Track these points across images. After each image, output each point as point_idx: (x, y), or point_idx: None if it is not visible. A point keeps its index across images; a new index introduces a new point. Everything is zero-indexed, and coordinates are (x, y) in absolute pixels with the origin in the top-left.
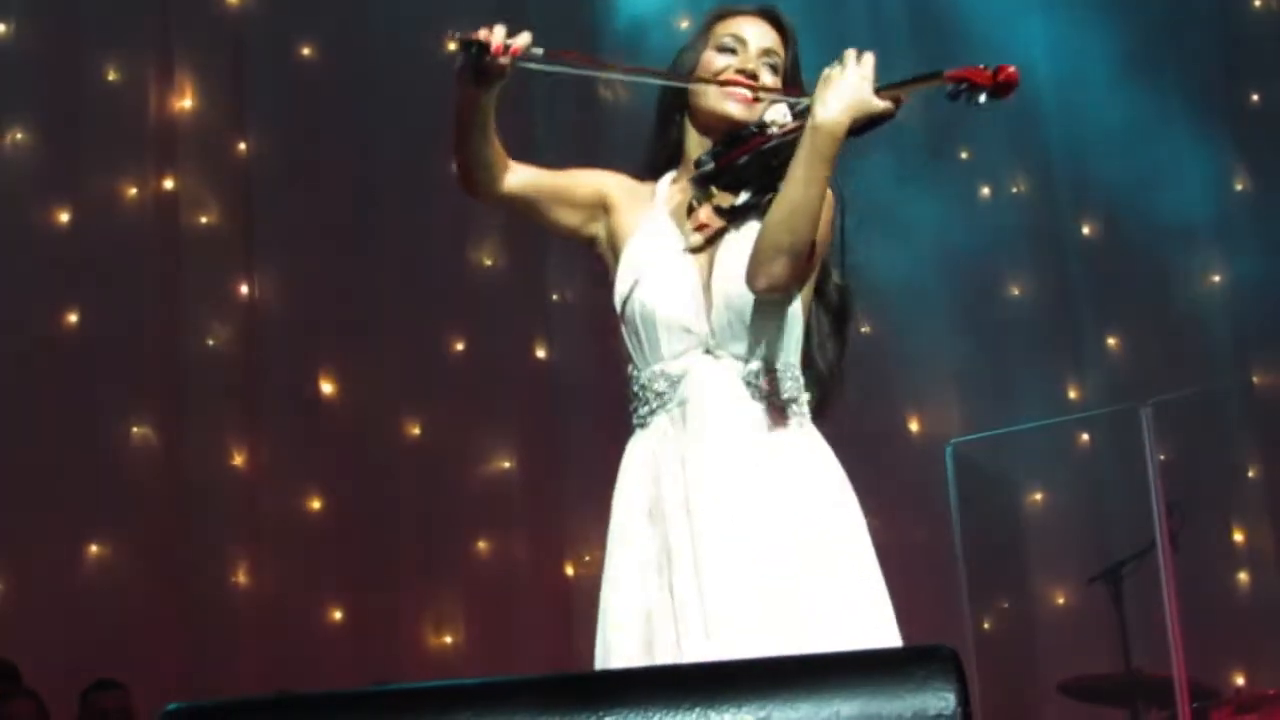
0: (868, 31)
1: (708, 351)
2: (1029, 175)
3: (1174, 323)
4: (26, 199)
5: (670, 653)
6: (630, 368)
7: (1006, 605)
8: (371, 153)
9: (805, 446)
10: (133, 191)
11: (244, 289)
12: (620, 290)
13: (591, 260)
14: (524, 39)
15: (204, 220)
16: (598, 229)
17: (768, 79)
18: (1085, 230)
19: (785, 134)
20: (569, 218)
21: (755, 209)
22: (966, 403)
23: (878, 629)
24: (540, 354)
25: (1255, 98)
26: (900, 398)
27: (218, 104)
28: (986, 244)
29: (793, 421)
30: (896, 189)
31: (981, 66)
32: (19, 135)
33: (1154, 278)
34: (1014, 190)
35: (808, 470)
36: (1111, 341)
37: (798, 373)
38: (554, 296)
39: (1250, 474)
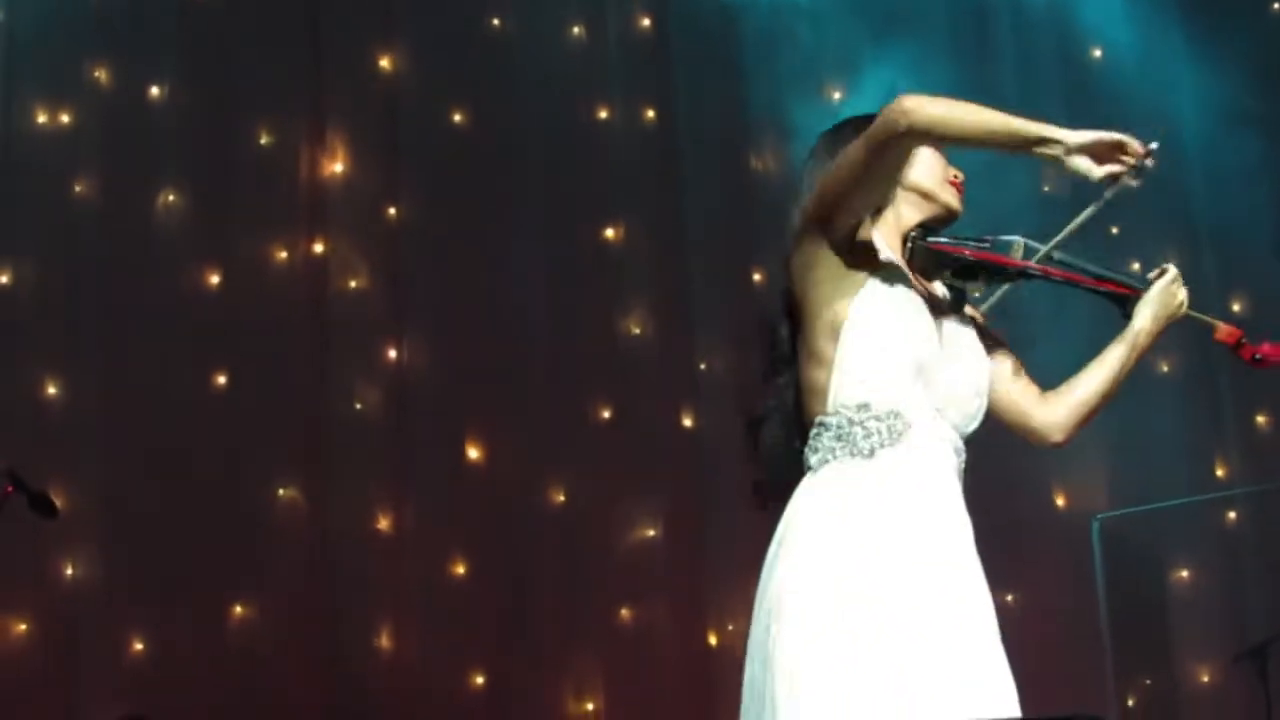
0: (1015, 84)
1: (937, 410)
2: (1178, 250)
3: None
4: (178, 261)
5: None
6: (850, 393)
7: (1150, 682)
8: (521, 219)
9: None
10: (283, 255)
11: (392, 353)
12: (877, 321)
13: (810, 254)
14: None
15: (353, 284)
16: (857, 229)
17: None
18: (1235, 307)
19: (1010, 268)
20: (877, 192)
21: (961, 304)
22: (1114, 479)
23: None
24: (687, 423)
25: None
26: (1047, 473)
27: (369, 168)
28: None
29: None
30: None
31: (1252, 345)
32: (171, 197)
33: None
34: (1163, 264)
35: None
36: (1260, 419)
37: None
38: (701, 365)
39: None
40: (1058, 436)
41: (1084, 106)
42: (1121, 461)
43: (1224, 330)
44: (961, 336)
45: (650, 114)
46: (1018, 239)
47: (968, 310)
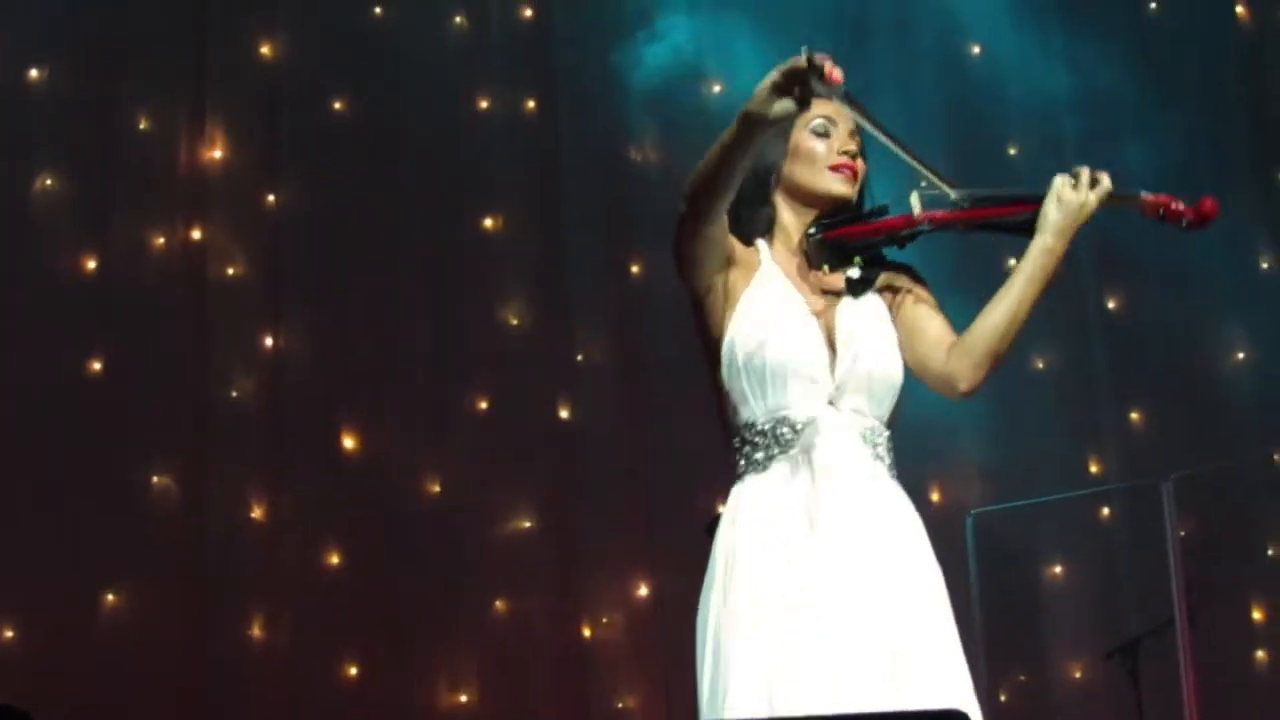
0: (894, 81)
1: (830, 403)
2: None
3: (1197, 398)
4: (54, 245)
5: (788, 704)
6: (741, 414)
7: (1023, 678)
8: (400, 208)
9: (904, 503)
10: (160, 240)
11: (269, 341)
12: (744, 339)
13: (691, 308)
14: (839, 73)
15: (231, 271)
16: (718, 280)
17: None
18: (1110, 304)
19: (905, 226)
20: (713, 263)
21: (870, 282)
22: (988, 474)
23: (968, 689)
24: (564, 414)
25: None
26: (922, 467)
27: (248, 155)
28: None
29: (892, 478)
30: (925, 257)
31: (1181, 201)
32: (49, 181)
33: (1178, 353)
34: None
35: (911, 526)
36: (1134, 416)
37: (890, 434)
38: (579, 357)
39: (1270, 552)
40: (961, 385)
41: (961, 104)
42: (996, 457)
43: (1148, 203)
44: (860, 318)
45: (531, 104)
46: (912, 194)
47: (895, 281)
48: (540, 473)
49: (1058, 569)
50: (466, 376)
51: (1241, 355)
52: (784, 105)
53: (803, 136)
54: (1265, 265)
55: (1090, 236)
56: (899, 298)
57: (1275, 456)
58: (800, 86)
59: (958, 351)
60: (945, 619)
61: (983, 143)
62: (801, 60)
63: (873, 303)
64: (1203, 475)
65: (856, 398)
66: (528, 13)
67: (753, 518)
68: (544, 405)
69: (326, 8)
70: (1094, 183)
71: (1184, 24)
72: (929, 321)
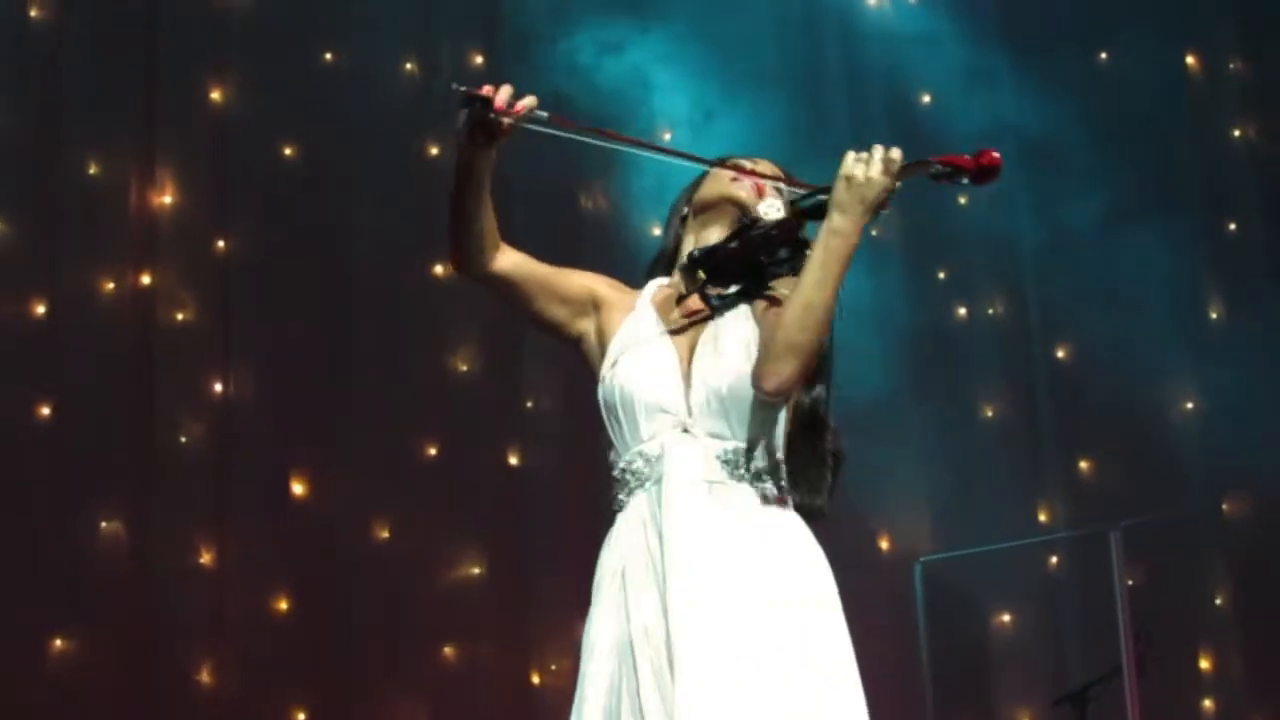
0: (848, 128)
1: (685, 431)
2: (1005, 297)
3: (1146, 448)
4: (3, 290)
5: None
6: (611, 455)
7: None
8: (350, 255)
9: (775, 522)
10: (110, 285)
11: (218, 387)
12: (603, 382)
13: (577, 360)
14: (529, 100)
15: (180, 317)
16: (586, 326)
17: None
18: (1059, 354)
19: (775, 228)
20: (555, 310)
21: (741, 299)
22: (937, 522)
23: (848, 711)
24: (513, 461)
25: (1232, 226)
26: (871, 516)
27: (198, 200)
28: (960, 363)
29: (763, 498)
30: (874, 304)
31: (966, 155)
32: None
33: (1126, 402)
34: (990, 311)
35: (777, 544)
36: (1083, 465)
37: (772, 454)
38: (528, 404)
39: (1218, 601)
40: (765, 384)
41: (913, 152)
42: (944, 505)
43: (934, 164)
44: (721, 340)
45: None
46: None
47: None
48: (489, 519)
49: (1006, 617)
50: (416, 423)
51: (1190, 405)
52: (473, 147)
53: (714, 173)
54: (1214, 315)
55: (1040, 287)
56: (763, 307)
57: (1223, 505)
58: (481, 127)
59: (760, 352)
60: (812, 629)
61: (932, 189)
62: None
63: (740, 317)
64: (1151, 524)
65: (713, 421)
66: (478, 59)
67: (603, 557)
68: (493, 451)
69: (276, 54)
70: (886, 161)
71: (1134, 73)
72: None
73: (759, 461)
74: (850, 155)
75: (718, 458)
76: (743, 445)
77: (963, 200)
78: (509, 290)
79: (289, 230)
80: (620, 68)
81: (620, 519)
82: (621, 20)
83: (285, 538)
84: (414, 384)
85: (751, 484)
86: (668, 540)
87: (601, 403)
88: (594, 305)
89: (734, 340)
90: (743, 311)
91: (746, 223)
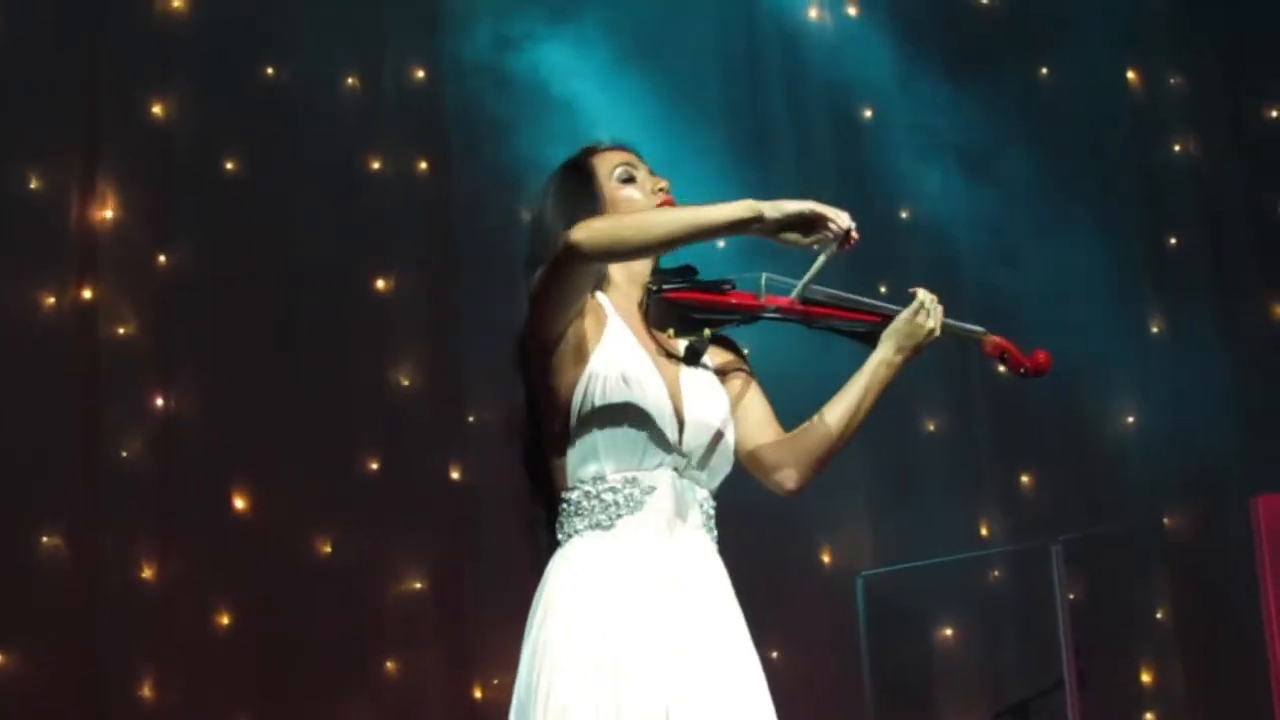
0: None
1: (675, 470)
2: (945, 311)
3: (1087, 462)
4: None
5: None
6: (588, 467)
7: None
8: (292, 269)
9: (725, 577)
10: (51, 300)
11: (160, 401)
12: (603, 392)
13: (532, 355)
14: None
15: (121, 331)
16: (571, 328)
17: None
18: (1000, 368)
19: (786, 314)
20: (574, 310)
21: (701, 354)
22: (879, 536)
23: None
24: (455, 475)
25: (1173, 241)
26: (813, 530)
27: (139, 215)
28: (901, 379)
29: (714, 544)
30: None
31: (1021, 355)
32: None
33: (1068, 417)
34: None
35: (732, 604)
36: (1024, 479)
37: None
38: (470, 418)
39: (1159, 615)
40: (790, 484)
41: (855, 168)
42: (886, 519)
43: (990, 343)
44: (702, 386)
45: (423, 165)
46: (761, 275)
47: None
48: (431, 533)
49: (947, 631)
50: (358, 437)
51: (1131, 419)
52: (790, 235)
53: (611, 186)
54: (1155, 329)
55: (981, 302)
56: (729, 375)
57: (1164, 519)
58: (814, 231)
59: (790, 451)
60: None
61: (875, 204)
62: (843, 219)
63: (708, 374)
64: (1092, 538)
65: (699, 472)
66: (420, 74)
67: (619, 576)
68: (435, 466)
69: (218, 68)
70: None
71: (1075, 88)
72: (755, 401)
73: (714, 514)
74: (922, 294)
75: (698, 503)
76: (709, 496)
77: (904, 215)
78: (583, 284)
79: (231, 244)
80: (564, 90)
81: (598, 538)
82: (564, 34)
83: (227, 552)
84: (356, 398)
85: (712, 534)
86: (684, 585)
87: (595, 414)
88: (582, 309)
89: (719, 397)
90: (705, 366)
91: (719, 281)
